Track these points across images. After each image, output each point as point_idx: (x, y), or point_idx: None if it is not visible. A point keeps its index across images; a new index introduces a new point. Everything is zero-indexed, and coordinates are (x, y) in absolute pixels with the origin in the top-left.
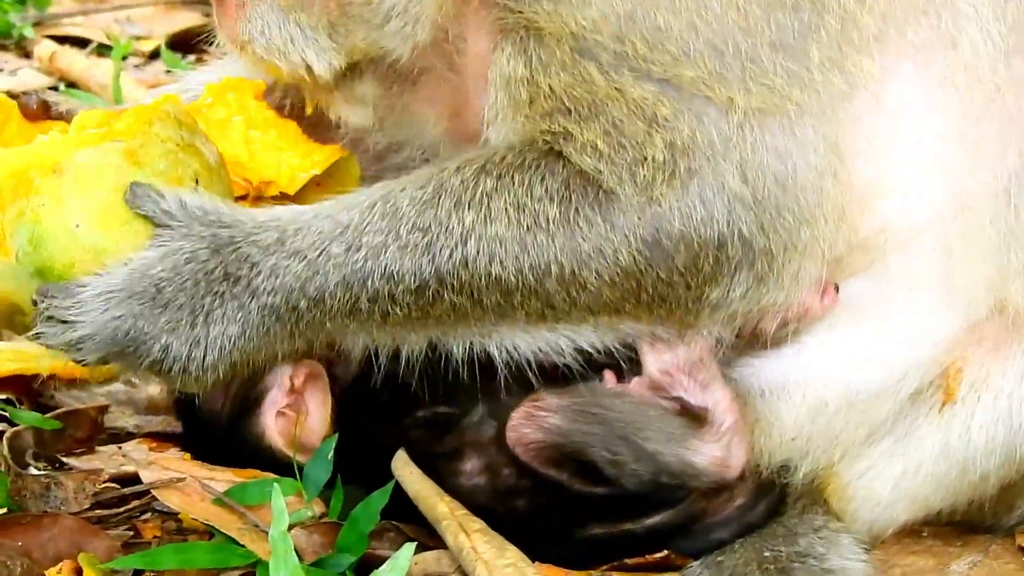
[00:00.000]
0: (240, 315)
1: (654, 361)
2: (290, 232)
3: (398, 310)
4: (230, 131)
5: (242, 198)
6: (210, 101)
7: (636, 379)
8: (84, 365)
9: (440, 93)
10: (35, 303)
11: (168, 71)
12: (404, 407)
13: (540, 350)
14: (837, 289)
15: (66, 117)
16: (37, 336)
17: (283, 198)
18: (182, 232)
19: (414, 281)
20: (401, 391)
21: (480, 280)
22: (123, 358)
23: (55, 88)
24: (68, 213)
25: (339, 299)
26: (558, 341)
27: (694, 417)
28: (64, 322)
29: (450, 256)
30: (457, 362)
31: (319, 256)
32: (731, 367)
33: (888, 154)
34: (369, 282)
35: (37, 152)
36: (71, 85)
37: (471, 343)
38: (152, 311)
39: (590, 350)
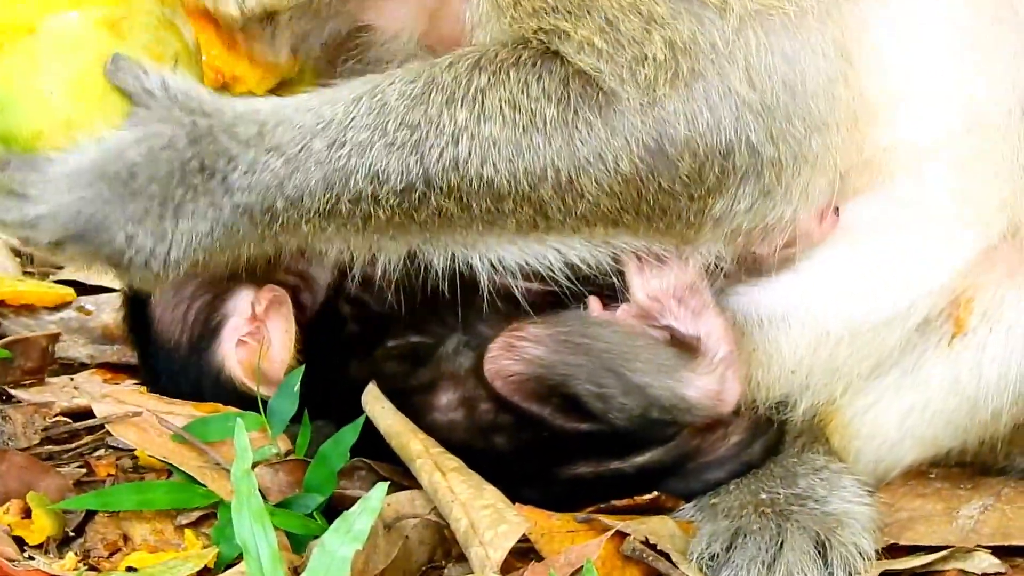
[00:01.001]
0: (211, 212)
1: (642, 287)
2: (270, 125)
3: (381, 213)
4: (206, 19)
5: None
6: None
7: (623, 306)
8: (36, 246)
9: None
10: None
11: None
12: (375, 337)
13: (527, 263)
14: (837, 212)
15: None
16: None
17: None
18: (161, 115)
19: (400, 182)
20: (371, 320)
21: (471, 183)
22: (81, 243)
23: None
24: (42, 78)
25: (319, 199)
26: (547, 254)
27: (685, 347)
28: (24, 197)
29: (440, 156)
30: (436, 274)
31: (300, 152)
32: (725, 295)
33: (898, 62)
34: (352, 181)
35: (8, 7)
36: None
37: (453, 254)
38: (121, 196)
39: (580, 265)
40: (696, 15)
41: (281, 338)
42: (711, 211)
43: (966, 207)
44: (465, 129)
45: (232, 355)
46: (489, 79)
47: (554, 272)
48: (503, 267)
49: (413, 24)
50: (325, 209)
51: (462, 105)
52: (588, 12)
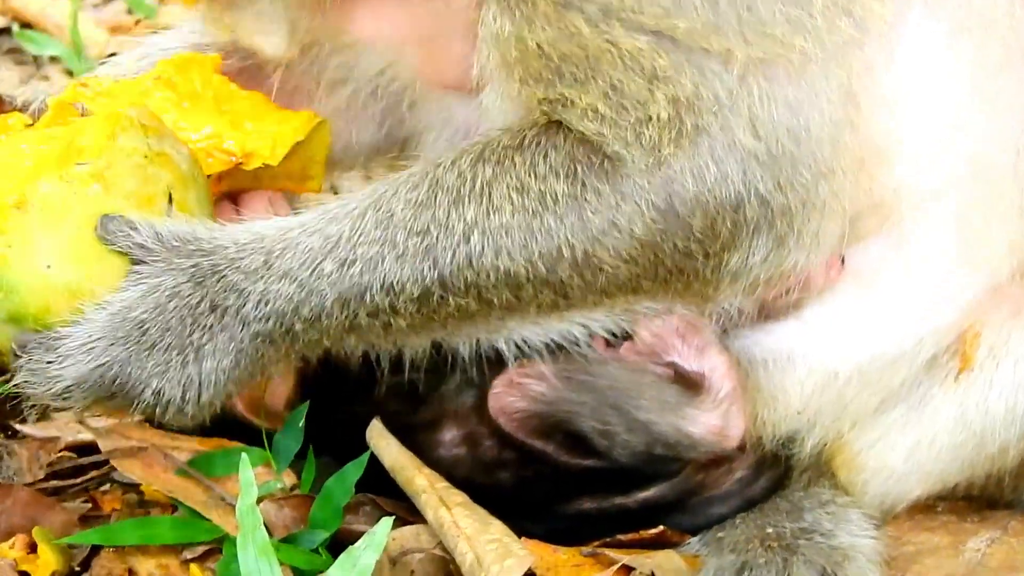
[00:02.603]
0: (232, 346)
1: (645, 324)
2: (276, 252)
3: (400, 320)
4: (202, 103)
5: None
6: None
7: (626, 344)
8: (76, 409)
9: (403, 18)
10: (15, 354)
11: (129, 11)
12: (376, 375)
13: (552, 341)
14: (843, 261)
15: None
16: (21, 387)
17: (265, 169)
18: (160, 267)
19: (416, 289)
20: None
21: (488, 277)
22: (114, 402)
23: (8, 30)
24: (37, 253)
25: (336, 317)
26: (571, 330)
27: (689, 384)
28: (48, 375)
29: (453, 257)
30: (463, 360)
31: (311, 276)
32: (730, 337)
33: (903, 107)
34: (367, 296)
35: None
36: (26, 26)
37: (478, 340)
38: (138, 355)
39: (605, 335)
40: (698, 67)
41: (282, 373)
42: (727, 266)
43: (973, 248)
44: (475, 225)
45: None
46: (494, 170)
47: (579, 345)
48: (529, 347)
49: (402, 48)
50: (344, 324)
51: (469, 202)
52: (593, 77)
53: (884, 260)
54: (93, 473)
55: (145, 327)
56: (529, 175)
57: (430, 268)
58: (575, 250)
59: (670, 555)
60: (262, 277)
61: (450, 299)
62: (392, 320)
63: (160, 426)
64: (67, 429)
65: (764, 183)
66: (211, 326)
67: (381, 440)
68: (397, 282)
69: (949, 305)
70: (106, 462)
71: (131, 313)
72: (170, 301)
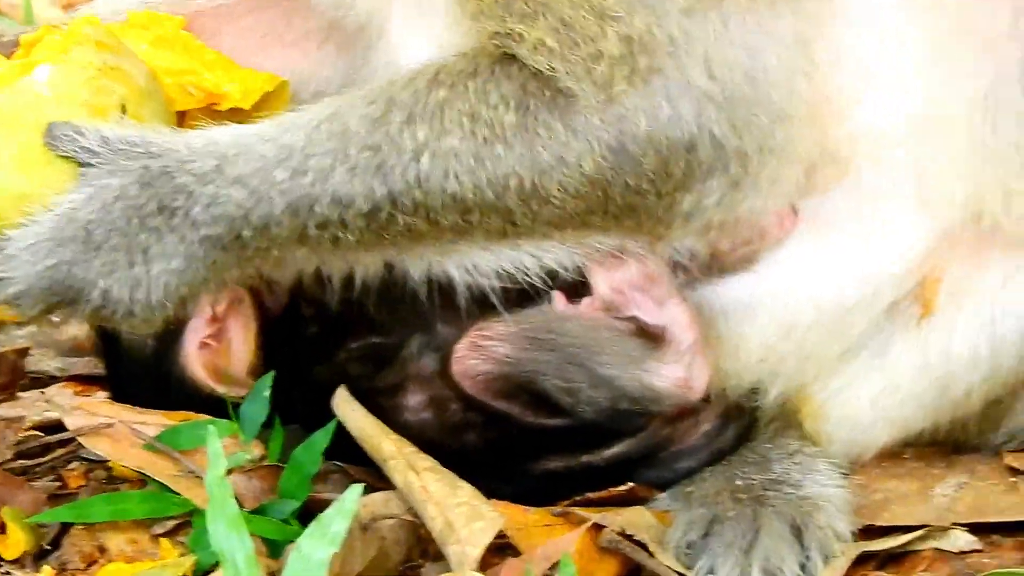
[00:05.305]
0: (182, 248)
1: (604, 279)
2: (230, 157)
3: (349, 235)
4: (175, 47)
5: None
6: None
7: (586, 299)
8: (29, 317)
9: None
10: None
11: None
12: (335, 339)
13: (503, 269)
14: (796, 212)
15: None
16: None
17: (236, 113)
18: (107, 169)
19: (365, 204)
20: (331, 321)
21: (435, 199)
22: (65, 307)
23: None
24: None
25: (286, 227)
26: (522, 259)
27: (651, 337)
28: None
29: (403, 175)
30: (415, 282)
31: (262, 183)
32: (690, 288)
33: (859, 62)
34: (317, 207)
35: None
36: None
37: (429, 263)
38: (84, 256)
39: (557, 268)
40: (650, 6)
41: (243, 337)
42: (680, 206)
43: (929, 198)
44: (426, 146)
45: (195, 357)
46: (447, 93)
47: (530, 276)
48: (479, 273)
49: None
50: (294, 235)
51: (421, 121)
52: (542, 12)
53: (840, 209)
54: (60, 451)
55: (91, 228)
56: (480, 102)
57: (380, 184)
58: (523, 181)
59: (640, 511)
60: (212, 181)
61: (399, 218)
62: (341, 234)
63: (126, 400)
64: (33, 408)
65: (719, 125)
66: (158, 227)
67: (347, 407)
68: (347, 195)
69: (907, 252)
70: (73, 439)
71: (77, 214)
72: (116, 202)
